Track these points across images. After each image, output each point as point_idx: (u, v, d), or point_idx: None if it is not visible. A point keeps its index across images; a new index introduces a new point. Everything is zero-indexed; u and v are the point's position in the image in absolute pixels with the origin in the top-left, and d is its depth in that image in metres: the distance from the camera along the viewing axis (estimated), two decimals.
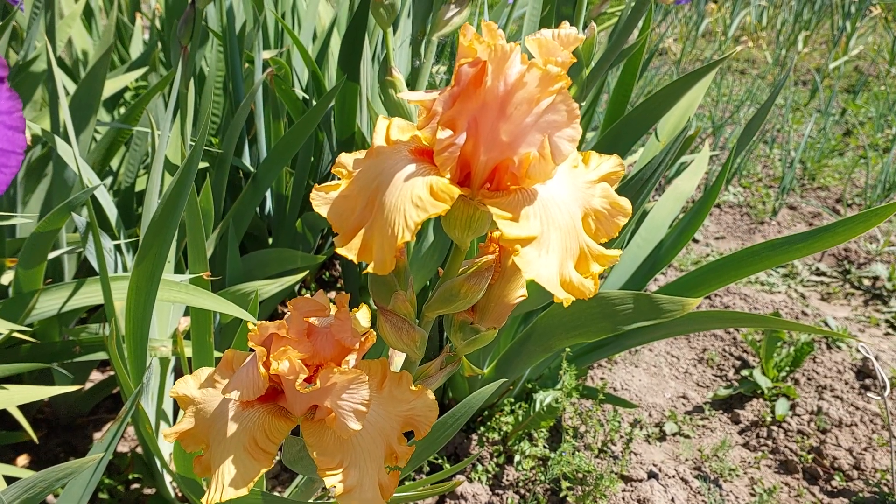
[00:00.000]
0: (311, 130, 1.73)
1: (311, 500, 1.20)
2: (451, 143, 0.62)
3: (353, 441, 0.75)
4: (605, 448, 1.88)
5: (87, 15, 2.13)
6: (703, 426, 2.06)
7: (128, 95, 2.03)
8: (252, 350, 0.76)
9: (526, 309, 1.72)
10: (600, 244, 0.69)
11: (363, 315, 0.81)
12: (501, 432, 1.85)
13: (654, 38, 4.89)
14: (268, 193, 2.06)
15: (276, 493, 1.71)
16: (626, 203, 0.69)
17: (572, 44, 0.63)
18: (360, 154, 0.70)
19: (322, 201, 0.68)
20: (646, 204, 2.01)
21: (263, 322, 0.72)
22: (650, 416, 2.09)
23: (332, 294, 2.29)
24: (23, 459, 1.64)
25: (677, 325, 1.73)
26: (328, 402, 0.72)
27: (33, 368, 1.38)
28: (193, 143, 1.82)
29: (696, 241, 3.20)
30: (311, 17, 2.22)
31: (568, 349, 1.75)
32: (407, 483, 1.63)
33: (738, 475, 1.88)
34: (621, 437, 1.94)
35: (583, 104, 1.34)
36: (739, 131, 3.94)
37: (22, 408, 1.63)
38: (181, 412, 0.83)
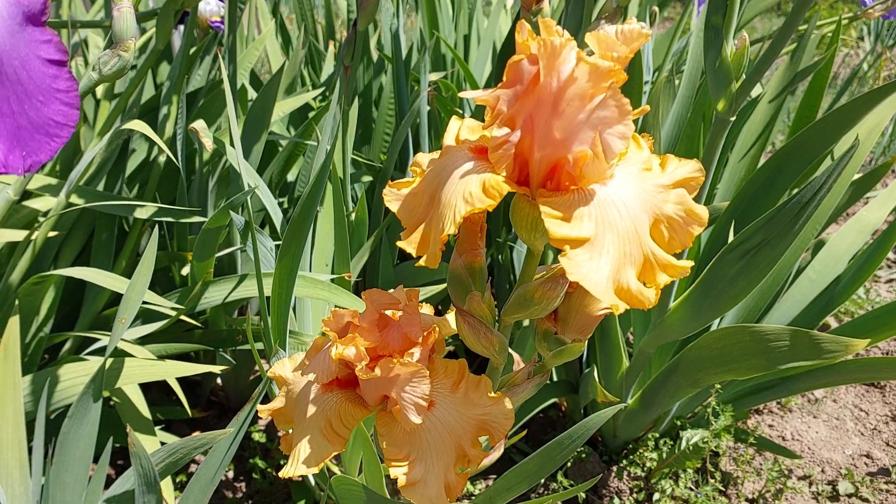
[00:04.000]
0: None
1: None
2: (504, 141, 0.62)
3: (421, 435, 0.76)
4: (757, 499, 1.71)
5: (286, 42, 2.37)
6: (887, 491, 1.80)
7: (312, 114, 2.22)
8: None
9: (680, 336, 1.61)
10: (673, 254, 0.65)
11: (454, 317, 0.82)
12: (645, 468, 1.76)
13: (882, 63, 4.40)
14: None
15: None
16: (702, 211, 0.64)
17: (635, 39, 0.60)
18: (436, 154, 0.72)
19: (393, 197, 0.71)
20: (822, 234, 1.82)
21: (338, 309, 0.76)
22: (822, 472, 1.87)
23: None
24: (196, 434, 1.84)
25: (851, 371, 1.55)
26: (394, 392, 0.74)
27: (201, 349, 1.55)
28: (354, 157, 1.95)
29: None
30: (491, 34, 2.28)
31: (718, 386, 1.63)
32: (533, 497, 1.60)
33: None
34: (780, 489, 1.75)
35: (732, 119, 1.25)
36: None
37: (198, 388, 1.83)
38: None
